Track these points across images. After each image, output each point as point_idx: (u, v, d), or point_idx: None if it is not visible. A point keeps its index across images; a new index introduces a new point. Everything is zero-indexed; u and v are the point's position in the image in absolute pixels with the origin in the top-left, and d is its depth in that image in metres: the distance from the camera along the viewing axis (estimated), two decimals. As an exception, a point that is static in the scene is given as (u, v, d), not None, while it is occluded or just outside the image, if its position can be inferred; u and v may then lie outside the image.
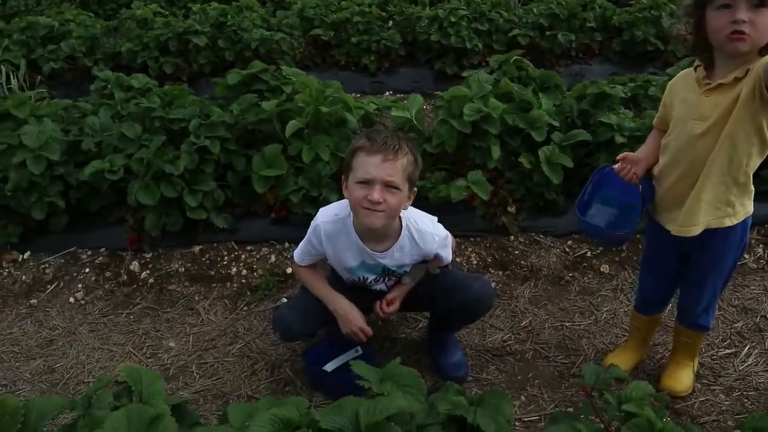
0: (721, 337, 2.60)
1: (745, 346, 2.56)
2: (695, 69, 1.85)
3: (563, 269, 2.91)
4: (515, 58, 3.43)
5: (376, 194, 1.86)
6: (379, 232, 2.02)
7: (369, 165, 1.87)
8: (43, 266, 3.06)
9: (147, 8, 5.96)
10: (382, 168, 1.86)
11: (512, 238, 3.02)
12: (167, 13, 6.25)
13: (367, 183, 1.88)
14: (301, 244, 2.21)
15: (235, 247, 3.07)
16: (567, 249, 3.00)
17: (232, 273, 2.94)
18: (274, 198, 3.05)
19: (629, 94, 3.29)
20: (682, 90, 1.89)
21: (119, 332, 2.65)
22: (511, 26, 5.04)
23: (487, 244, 2.99)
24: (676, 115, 1.89)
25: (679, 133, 1.85)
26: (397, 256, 2.08)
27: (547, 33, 5.01)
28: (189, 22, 5.43)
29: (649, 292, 2.23)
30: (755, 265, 3.02)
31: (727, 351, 2.54)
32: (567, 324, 2.64)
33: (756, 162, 1.80)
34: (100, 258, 3.07)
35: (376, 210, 1.89)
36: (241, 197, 3.13)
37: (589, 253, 2.98)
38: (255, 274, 2.93)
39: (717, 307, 2.29)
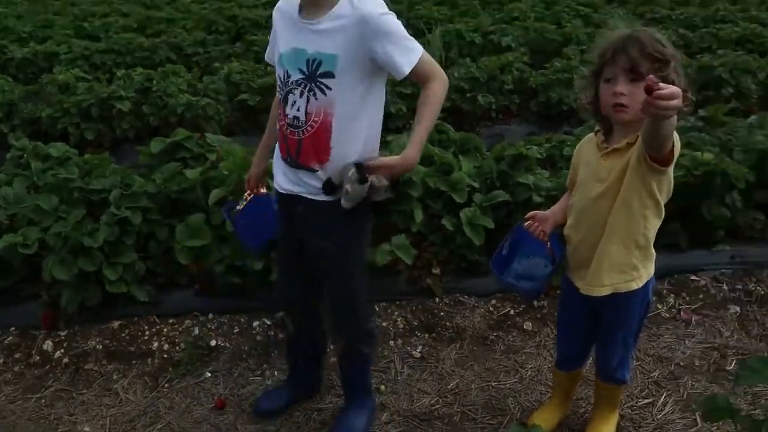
0: (639, 388, 2.69)
1: (662, 394, 2.65)
2: (595, 134, 1.97)
3: (488, 329, 2.96)
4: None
5: None
6: (309, 2, 1.83)
7: None
8: (-52, 348, 2.89)
9: (69, 73, 5.89)
10: None
11: (437, 300, 3.06)
12: (90, 78, 6.17)
13: None
14: None
15: (157, 320, 2.99)
16: (491, 308, 3.06)
17: (153, 348, 2.85)
18: (197, 268, 3.00)
19: (545, 155, 3.44)
20: (586, 153, 2.01)
21: (28, 419, 2.50)
22: (433, 89, 5.21)
23: (413, 308, 3.02)
24: (580, 176, 2.00)
25: (581, 195, 1.96)
26: (330, 26, 1.79)
27: (468, 95, 5.21)
28: (113, 88, 5.38)
29: (565, 348, 2.30)
30: (668, 315, 3.15)
31: (646, 401, 2.62)
32: (493, 384, 2.68)
33: (653, 224, 1.91)
34: (10, 338, 2.92)
35: None
36: (163, 268, 3.07)
37: (512, 312, 3.04)
38: (177, 348, 2.85)
39: (632, 359, 2.37)
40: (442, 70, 1.91)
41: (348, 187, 1.82)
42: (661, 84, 1.45)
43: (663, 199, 1.87)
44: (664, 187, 1.85)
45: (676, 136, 1.72)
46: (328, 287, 2.16)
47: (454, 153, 3.25)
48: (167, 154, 3.58)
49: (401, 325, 2.96)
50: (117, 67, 6.85)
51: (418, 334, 2.94)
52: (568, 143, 3.65)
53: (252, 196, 2.32)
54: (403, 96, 5.13)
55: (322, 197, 1.93)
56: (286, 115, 1.90)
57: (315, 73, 1.82)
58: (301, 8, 1.87)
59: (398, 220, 2.91)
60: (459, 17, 9.25)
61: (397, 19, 1.82)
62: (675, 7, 11.08)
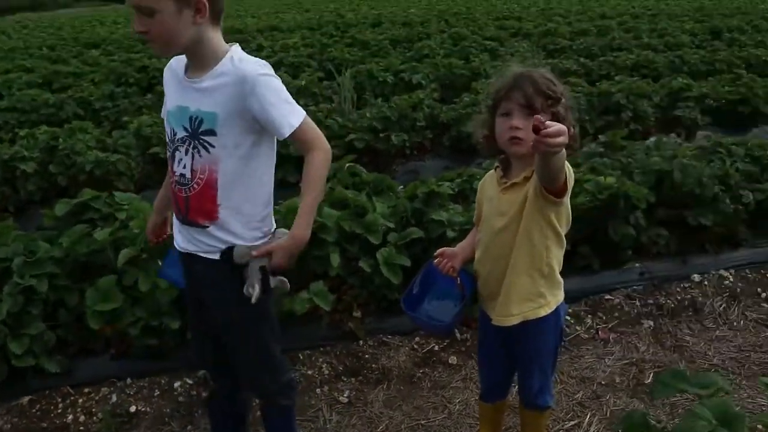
0: (564, 410, 2.75)
1: (587, 415, 2.72)
2: (495, 169, 2.04)
3: (413, 367, 2.96)
4: (348, 164, 3.58)
5: (136, 26, 1.73)
6: (195, 58, 1.82)
7: None
8: None
9: (-32, 135, 5.64)
10: None
11: (361, 342, 3.04)
12: (-8, 139, 5.93)
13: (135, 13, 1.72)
14: None
15: (71, 391, 2.84)
16: (415, 346, 3.07)
17: (68, 421, 2.70)
18: (111, 332, 2.89)
19: (457, 189, 3.53)
20: (488, 189, 2.07)
21: None
22: (347, 131, 5.29)
23: (337, 352, 3.00)
24: (484, 212, 2.06)
25: (486, 229, 2.01)
26: (211, 84, 1.78)
27: (381, 135, 5.30)
28: (16, 148, 5.17)
29: (488, 380, 2.33)
30: (586, 335, 3.25)
31: (571, 423, 2.68)
32: (422, 422, 2.68)
33: (556, 253, 1.97)
34: None
35: (150, 41, 1.76)
36: (75, 335, 2.93)
37: (436, 347, 3.06)
38: (94, 419, 2.71)
39: (553, 385, 2.42)
40: (324, 139, 1.91)
41: (255, 287, 1.87)
42: (547, 123, 1.52)
43: (563, 229, 1.95)
44: (563, 217, 1.93)
45: (568, 167, 1.81)
46: (233, 345, 2.10)
47: (368, 194, 3.29)
48: (74, 216, 3.45)
49: (326, 372, 2.92)
50: (21, 126, 6.60)
51: (345, 379, 2.91)
52: (478, 177, 3.75)
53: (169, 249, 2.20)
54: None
55: (215, 255, 1.91)
56: (174, 173, 1.89)
57: (197, 131, 1.82)
58: (187, 67, 1.88)
59: (315, 265, 2.90)
60: (370, 57, 9.46)
61: (275, 79, 1.82)
62: (574, 38, 11.71)
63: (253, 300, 1.87)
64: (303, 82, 6.88)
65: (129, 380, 2.90)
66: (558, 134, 1.53)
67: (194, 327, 2.25)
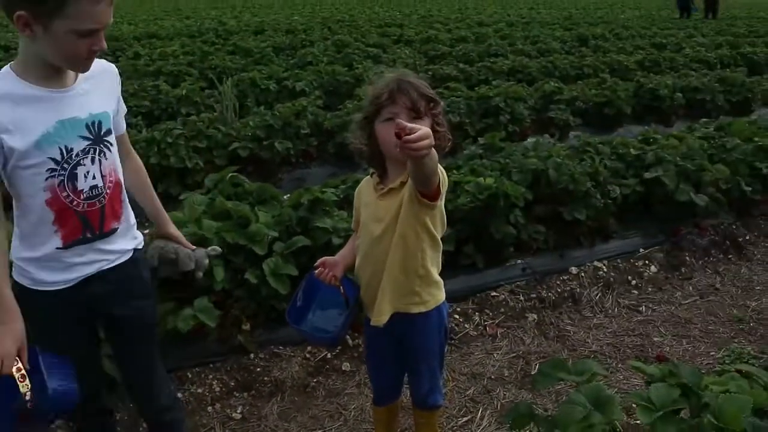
0: (457, 407, 2.81)
1: (479, 410, 2.79)
2: (371, 176, 2.05)
3: (307, 376, 2.93)
4: (231, 174, 3.49)
5: (104, 42, 1.65)
6: (59, 72, 1.71)
7: (96, 14, 1.58)
8: None
9: None
10: (107, 14, 1.62)
11: (252, 355, 2.96)
12: None
13: (92, 33, 1.61)
14: None
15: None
16: (308, 355, 3.03)
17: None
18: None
19: (342, 196, 3.52)
20: (365, 195, 2.08)
21: None
22: (231, 140, 5.16)
23: (228, 368, 2.90)
24: (362, 218, 2.06)
25: (365, 235, 2.02)
26: (89, 86, 1.77)
27: (265, 143, 5.21)
28: None
29: (378, 383, 2.34)
30: (475, 332, 3.35)
31: (464, 419, 2.74)
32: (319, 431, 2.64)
33: (432, 255, 2.01)
34: None
35: (93, 58, 1.70)
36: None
37: (329, 355, 3.04)
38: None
39: (442, 384, 2.47)
40: None
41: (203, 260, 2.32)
42: (407, 127, 1.54)
43: (439, 233, 1.99)
44: (437, 221, 1.96)
45: (442, 171, 1.85)
46: (133, 359, 2.02)
47: (251, 204, 3.21)
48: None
49: (217, 389, 2.82)
50: None
51: (237, 395, 2.82)
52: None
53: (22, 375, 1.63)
54: (198, 150, 5.00)
55: (127, 256, 1.91)
56: (80, 192, 1.75)
57: (100, 135, 1.79)
58: (38, 81, 1.69)
59: (198, 280, 2.79)
60: (253, 65, 9.30)
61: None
62: (454, 44, 12.10)
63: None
64: (183, 92, 6.64)
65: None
66: (420, 138, 1.55)
67: (80, 366, 1.93)
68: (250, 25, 17.07)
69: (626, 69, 9.46)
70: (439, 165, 1.95)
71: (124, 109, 1.96)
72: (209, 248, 2.40)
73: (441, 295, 2.08)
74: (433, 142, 1.59)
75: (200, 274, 2.33)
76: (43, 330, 1.85)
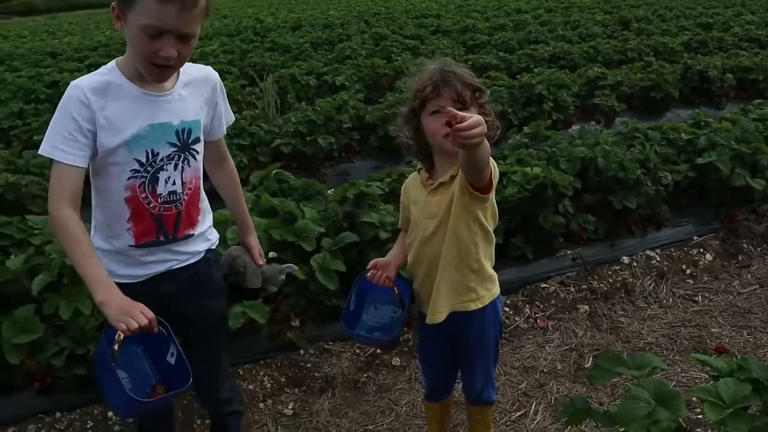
0: (510, 402, 2.77)
1: (532, 404, 2.75)
2: (419, 171, 2.02)
3: (357, 372, 2.92)
4: (275, 171, 3.50)
5: (172, 50, 1.59)
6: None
7: (164, 14, 1.54)
8: None
9: None
10: (179, 18, 1.56)
11: (302, 351, 2.97)
12: None
13: (158, 35, 1.57)
14: (49, 133, 1.63)
15: (-7, 431, 2.66)
16: (357, 350, 3.02)
17: (-7, 463, 2.53)
18: (34, 365, 2.71)
19: (387, 189, 3.49)
20: (413, 191, 2.05)
21: None
22: (273, 137, 5.19)
23: (278, 364, 2.91)
24: (412, 215, 2.03)
25: (417, 232, 1.99)
26: (186, 93, 1.79)
27: (308, 139, 5.22)
28: None
29: (431, 379, 2.31)
30: (526, 325, 3.29)
31: (518, 413, 2.70)
32: (370, 427, 2.64)
33: (485, 249, 1.97)
34: None
35: (168, 65, 1.64)
36: (-7, 372, 2.74)
37: (378, 351, 3.03)
38: (21, 458, 2.55)
39: (495, 379, 2.43)
40: None
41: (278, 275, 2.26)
42: (459, 115, 1.50)
43: (491, 225, 1.94)
44: (489, 213, 1.92)
45: (493, 163, 1.80)
46: (202, 355, 2.01)
47: (296, 200, 3.21)
48: (-17, 245, 3.23)
49: (269, 385, 2.84)
50: None
51: (288, 391, 2.83)
52: (408, 174, 3.74)
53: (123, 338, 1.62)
54: (242, 147, 5.04)
55: (200, 256, 1.91)
56: (158, 195, 1.78)
57: (188, 143, 1.81)
58: (132, 83, 1.71)
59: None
60: (292, 61, 9.34)
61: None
62: (492, 33, 11.94)
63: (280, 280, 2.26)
64: (225, 90, 6.71)
65: (58, 414, 2.73)
66: (473, 126, 1.51)
67: None
68: (287, 22, 17.18)
69: (672, 51, 9.19)
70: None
71: (230, 117, 1.99)
72: (286, 265, 2.31)
73: (496, 289, 2.04)
74: (485, 130, 1.55)
75: (273, 288, 2.29)
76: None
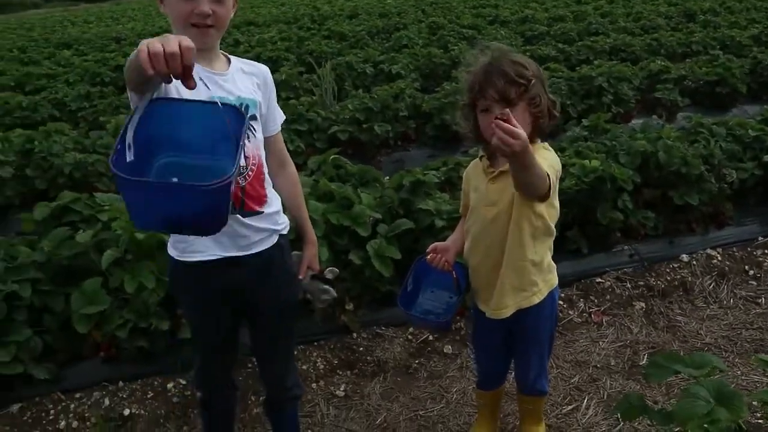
0: (562, 395, 2.75)
1: (584, 399, 2.72)
2: (480, 159, 2.02)
3: (409, 357, 2.95)
4: (333, 156, 3.54)
5: (206, 7, 1.64)
6: (211, 54, 1.78)
7: None
8: None
9: (-59, 141, 5.48)
10: None
11: (355, 335, 3.02)
12: (-35, 144, 5.79)
13: None
14: None
15: (62, 396, 2.78)
16: (410, 336, 3.05)
17: (61, 427, 2.65)
18: (100, 336, 2.83)
19: (443, 178, 3.50)
20: (474, 179, 2.05)
21: None
22: (330, 124, 5.24)
23: (331, 346, 2.97)
24: (472, 202, 2.04)
25: (476, 219, 1.99)
26: (239, 75, 1.84)
27: (365, 126, 5.26)
28: (-10, 153, 5.05)
29: (485, 368, 2.32)
30: (579, 319, 3.26)
31: (569, 407, 2.68)
32: (421, 413, 2.66)
33: (546, 241, 1.96)
34: None
35: (207, 24, 1.68)
36: (63, 341, 2.87)
37: (431, 337, 3.05)
38: (88, 423, 2.66)
39: (548, 370, 2.42)
40: None
41: (328, 291, 2.16)
42: (501, 126, 1.48)
43: (552, 220, 1.93)
44: (551, 209, 1.91)
45: (555, 156, 1.80)
46: (272, 340, 2.06)
47: (353, 186, 3.25)
48: (55, 219, 3.38)
49: (321, 366, 2.89)
50: (-7, 131, 6.46)
51: (340, 373, 2.88)
52: (464, 164, 3.74)
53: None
54: (299, 133, 5.11)
55: (272, 241, 1.91)
56: None
57: (246, 111, 1.82)
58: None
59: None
60: (348, 49, 9.39)
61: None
62: (551, 24, 11.72)
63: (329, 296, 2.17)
64: (283, 76, 6.81)
65: (121, 383, 2.85)
66: (509, 137, 1.48)
67: (216, 348, 2.08)
68: (344, 10, 17.24)
69: (740, 45, 8.84)
70: (551, 150, 1.89)
71: (279, 115, 1.99)
72: (326, 270, 2.21)
73: (554, 280, 2.03)
74: (523, 145, 1.50)
75: (320, 305, 2.23)
76: (190, 305, 1.97)
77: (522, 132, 1.50)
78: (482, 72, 1.85)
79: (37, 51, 13.32)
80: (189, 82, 1.30)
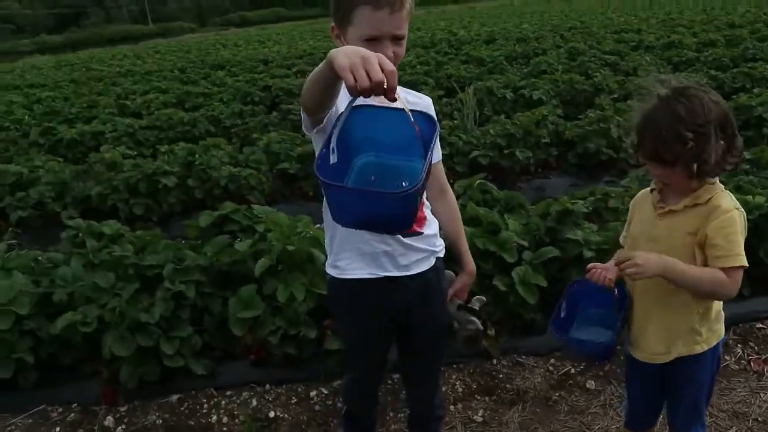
0: (716, 447, 2.57)
1: (741, 453, 2.53)
2: (651, 191, 1.94)
3: (549, 389, 2.88)
4: (479, 181, 3.56)
5: (389, 51, 1.68)
6: None
7: (376, 21, 1.66)
8: (9, 429, 2.91)
9: (116, 151, 6.10)
10: (389, 22, 1.67)
11: (495, 361, 3.00)
12: (135, 154, 6.39)
13: (375, 40, 1.68)
14: None
15: (215, 393, 2.98)
16: (551, 368, 2.98)
17: (213, 421, 2.84)
18: (252, 339, 3.01)
19: (591, 208, 3.41)
20: (640, 209, 1.97)
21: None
22: (471, 148, 5.27)
23: (471, 370, 2.97)
24: (634, 232, 1.97)
25: (635, 250, 1.91)
26: (403, 95, 1.84)
27: (506, 152, 5.24)
28: (158, 163, 5.55)
29: (635, 407, 2.21)
30: (737, 366, 3.03)
31: (724, 461, 2.50)
32: (561, 447, 2.59)
33: None
34: (72, 415, 2.94)
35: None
36: (219, 341, 3.08)
37: (573, 371, 2.96)
38: (236, 420, 2.83)
39: (705, 418, 2.27)
40: None
41: (474, 321, 2.08)
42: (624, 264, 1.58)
43: None
44: None
45: (740, 209, 1.77)
46: (423, 362, 2.10)
47: (499, 212, 3.25)
48: (215, 227, 3.65)
49: (460, 389, 2.90)
50: (160, 142, 7.09)
51: (478, 398, 2.87)
52: (613, 195, 3.63)
53: None
54: (441, 155, 5.17)
55: (430, 263, 1.92)
56: None
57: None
58: None
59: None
60: (487, 74, 9.41)
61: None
62: (701, 49, 11.10)
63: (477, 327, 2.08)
64: (422, 100, 6.93)
65: (268, 386, 3.01)
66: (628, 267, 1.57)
67: (373, 367, 2.13)
68: (481, 35, 17.29)
69: None
70: (726, 197, 1.78)
71: (439, 145, 1.96)
72: (474, 299, 2.14)
73: (722, 329, 1.91)
74: (650, 271, 1.63)
75: (465, 333, 2.09)
76: (347, 323, 2.02)
77: (645, 264, 1.62)
78: (639, 122, 1.76)
79: (194, 71, 14.47)
80: (390, 96, 1.33)
